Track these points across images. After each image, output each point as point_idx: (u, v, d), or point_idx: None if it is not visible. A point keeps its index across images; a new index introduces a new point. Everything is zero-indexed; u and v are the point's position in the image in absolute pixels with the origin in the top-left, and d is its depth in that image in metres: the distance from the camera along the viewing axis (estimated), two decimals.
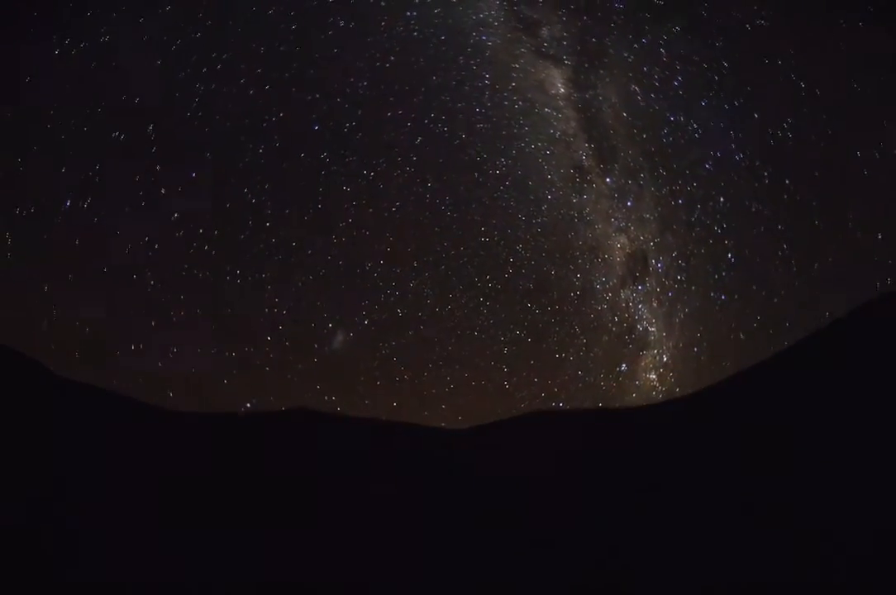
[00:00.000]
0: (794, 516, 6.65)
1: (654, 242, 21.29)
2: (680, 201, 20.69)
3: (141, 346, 20.04)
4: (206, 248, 21.37)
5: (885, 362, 9.00)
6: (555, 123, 22.51)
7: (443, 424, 17.40)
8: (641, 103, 21.01)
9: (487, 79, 22.19)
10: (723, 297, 19.46)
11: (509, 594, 6.50)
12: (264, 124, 21.20)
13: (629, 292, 21.86)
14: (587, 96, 21.81)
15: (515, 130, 22.69)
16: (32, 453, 8.28)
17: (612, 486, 8.89)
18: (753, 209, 19.34)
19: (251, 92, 20.86)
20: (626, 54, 20.65)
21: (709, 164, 20.17)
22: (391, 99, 22.13)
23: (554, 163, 22.62)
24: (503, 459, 10.79)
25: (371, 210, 22.46)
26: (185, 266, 21.11)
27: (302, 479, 9.56)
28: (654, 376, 19.82)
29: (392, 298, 22.66)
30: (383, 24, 21.31)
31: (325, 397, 21.73)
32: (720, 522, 7.10)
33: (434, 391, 22.43)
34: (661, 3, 19.73)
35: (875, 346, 9.67)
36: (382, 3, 21.19)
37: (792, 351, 11.91)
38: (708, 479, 8.20)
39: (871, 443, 7.32)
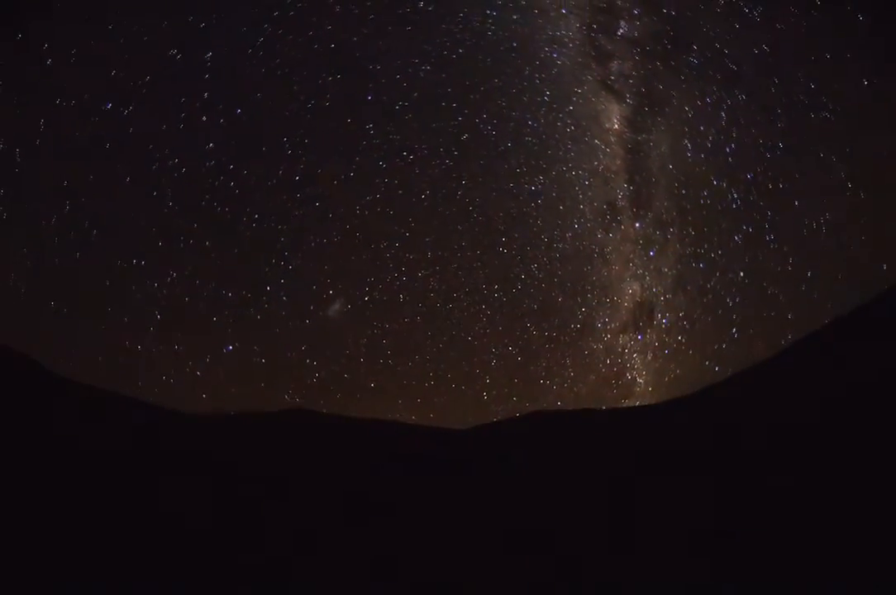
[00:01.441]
0: (793, 516, 6.64)
1: (665, 298, 21.18)
2: (701, 265, 20.70)
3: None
4: (231, 185, 20.96)
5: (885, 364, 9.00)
6: (601, 156, 22.03)
7: (447, 424, 17.34)
8: (689, 160, 20.79)
9: (547, 96, 21.78)
10: (716, 369, 19.39)
11: (510, 592, 6.49)
12: (320, 81, 20.97)
13: (628, 339, 21.58)
14: (639, 139, 21.44)
15: (561, 153, 22.18)
16: (32, 453, 8.27)
17: (612, 485, 8.89)
18: (769, 292, 19.34)
19: (315, 46, 20.55)
20: (687, 108, 20.50)
21: (738, 236, 20.21)
22: (448, 89, 21.71)
23: (590, 194, 22.14)
24: (503, 459, 10.79)
25: (401, 191, 22.12)
26: (207, 197, 20.84)
27: (302, 478, 9.56)
28: None
29: (397, 282, 22.44)
30: (461, 14, 20.85)
31: (307, 360, 21.37)
32: (720, 522, 7.10)
33: (410, 382, 22.18)
34: (734, 68, 19.51)
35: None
36: None
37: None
38: (708, 478, 8.20)
39: (872, 443, 7.31)
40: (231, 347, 20.64)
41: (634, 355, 20.90)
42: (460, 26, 21.03)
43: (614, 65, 20.96)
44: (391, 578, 6.86)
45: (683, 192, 20.92)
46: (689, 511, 7.51)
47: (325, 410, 14.42)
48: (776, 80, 18.96)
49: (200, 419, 12.24)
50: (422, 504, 8.93)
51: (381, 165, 22.08)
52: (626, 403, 20.36)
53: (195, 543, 7.15)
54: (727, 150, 20.09)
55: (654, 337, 20.84)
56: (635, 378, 20.72)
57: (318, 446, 11.24)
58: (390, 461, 10.61)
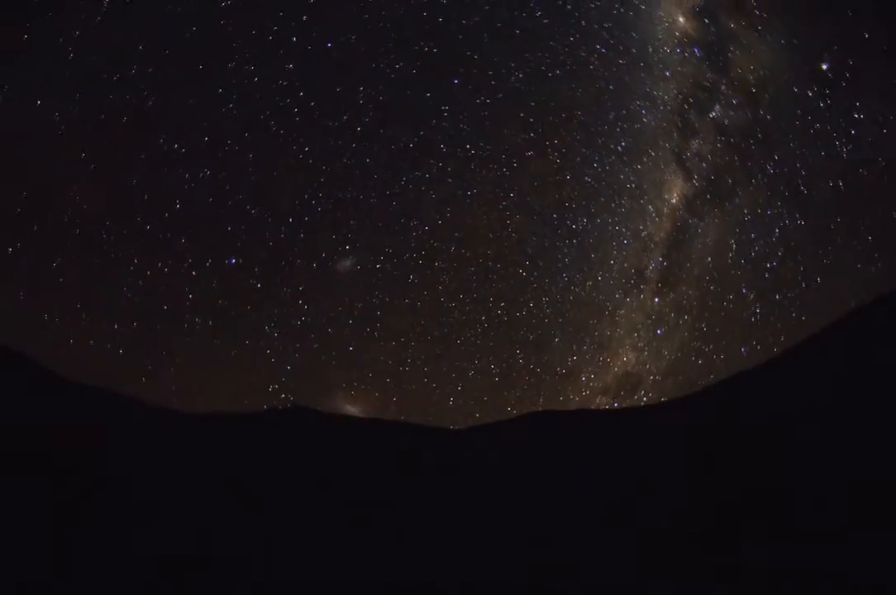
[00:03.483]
0: (793, 515, 6.65)
1: (654, 379, 21.41)
2: (700, 362, 20.93)
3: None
4: (271, 123, 20.92)
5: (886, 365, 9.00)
6: (648, 223, 21.83)
7: (450, 425, 17.32)
8: (728, 260, 20.87)
9: (621, 146, 21.76)
10: None
11: (510, 592, 6.49)
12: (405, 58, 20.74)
13: (605, 402, 21.51)
14: (690, 221, 21.45)
15: (613, 204, 22.24)
16: (33, 453, 8.27)
17: (612, 485, 8.89)
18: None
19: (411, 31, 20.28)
20: (746, 211, 20.55)
21: (745, 349, 20.41)
22: (531, 103, 21.56)
23: (624, 254, 22.00)
24: (503, 459, 10.78)
25: (450, 180, 21.93)
26: (237, 148, 20.85)
27: (302, 478, 9.55)
28: None
29: (412, 263, 22.29)
30: (572, 38, 20.69)
31: (302, 305, 21.20)
32: (720, 522, 7.10)
33: (381, 367, 22.02)
34: (805, 192, 19.44)
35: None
36: (594, 7, 20.51)
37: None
38: (707, 479, 8.20)
39: (872, 442, 7.31)
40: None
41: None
42: (566, 49, 20.98)
43: (695, 143, 20.95)
44: (391, 578, 6.87)
45: (711, 288, 21.04)
46: (689, 511, 7.51)
47: (324, 410, 14.41)
48: (839, 219, 18.91)
49: (200, 419, 12.23)
50: (420, 504, 8.93)
51: (442, 149, 21.91)
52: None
53: (195, 543, 7.15)
54: (767, 265, 20.15)
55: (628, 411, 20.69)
56: None
57: (316, 446, 11.23)
58: (389, 461, 10.61)
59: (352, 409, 21.29)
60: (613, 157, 21.65)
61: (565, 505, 8.54)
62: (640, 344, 21.55)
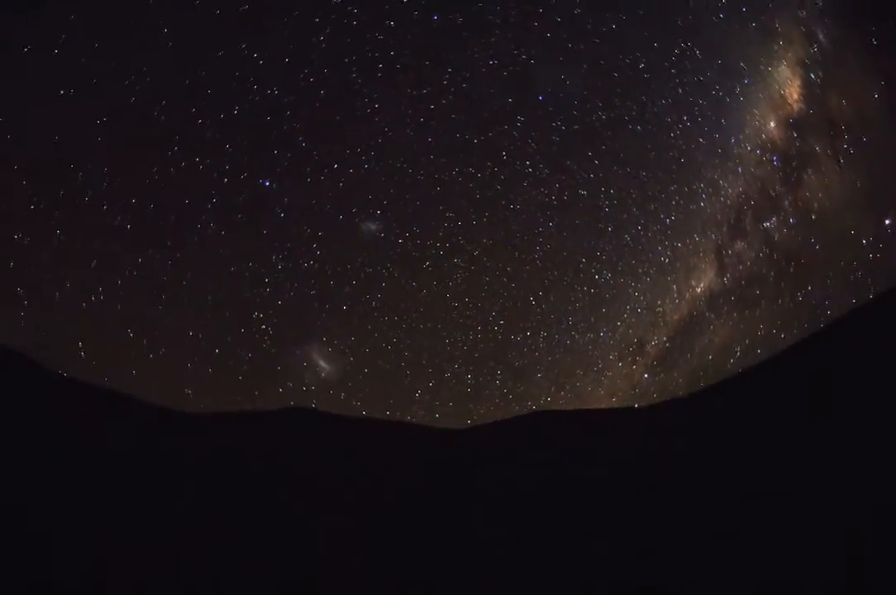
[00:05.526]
0: (794, 515, 6.64)
1: None
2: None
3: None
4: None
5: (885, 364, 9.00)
6: (667, 302, 21.52)
7: (451, 425, 17.31)
8: (727, 366, 21.00)
9: (670, 219, 21.59)
10: None
11: (510, 592, 6.49)
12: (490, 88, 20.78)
13: None
14: (706, 315, 21.47)
15: (640, 270, 22.32)
16: (32, 453, 8.27)
17: (612, 485, 8.89)
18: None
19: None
20: (762, 326, 20.60)
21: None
22: (599, 143, 21.60)
23: (633, 321, 21.78)
24: (503, 459, 10.78)
25: (499, 187, 21.88)
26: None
27: (301, 478, 9.55)
28: None
29: (432, 249, 22.14)
30: (652, 85, 20.74)
31: (315, 249, 20.95)
32: (721, 522, 7.09)
33: (365, 336, 21.90)
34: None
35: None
36: (696, 81, 20.18)
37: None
38: (708, 479, 8.19)
39: (872, 442, 7.31)
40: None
41: None
42: (655, 108, 21.28)
43: (739, 244, 21.30)
44: (392, 577, 6.87)
45: (702, 384, 21.01)
46: (689, 511, 7.51)
47: (324, 410, 14.42)
48: None
49: (200, 419, 12.23)
50: (422, 504, 8.93)
51: (503, 156, 22.39)
52: None
53: (195, 543, 7.15)
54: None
55: None
56: None
57: (318, 446, 11.23)
58: (391, 461, 10.61)
59: (318, 363, 21.08)
60: (659, 227, 21.53)
61: (565, 504, 8.54)
62: (617, 405, 21.30)
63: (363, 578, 6.83)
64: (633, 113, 20.79)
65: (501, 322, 22.82)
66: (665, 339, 21.18)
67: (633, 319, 21.73)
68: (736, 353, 20.25)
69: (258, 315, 21.25)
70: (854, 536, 5.86)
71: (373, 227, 22.18)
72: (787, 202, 19.65)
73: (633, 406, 19.13)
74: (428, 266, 22.38)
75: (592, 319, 22.01)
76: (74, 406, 10.54)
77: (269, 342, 21.01)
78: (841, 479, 6.94)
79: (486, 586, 6.64)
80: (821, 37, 18.90)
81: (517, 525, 8.08)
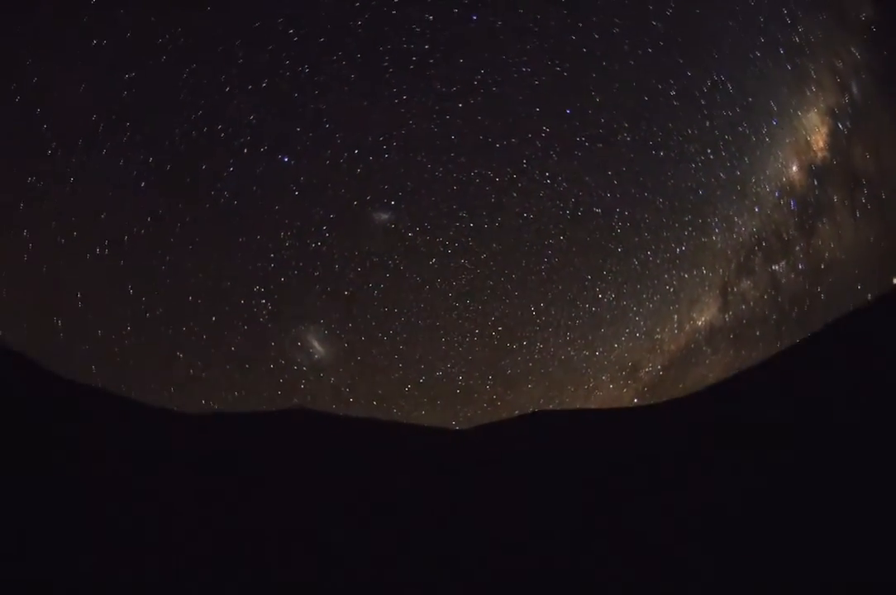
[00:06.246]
0: (793, 515, 6.64)
1: None
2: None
3: None
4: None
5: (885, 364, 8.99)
6: (666, 331, 21.40)
7: (453, 424, 17.31)
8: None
9: (681, 248, 21.44)
10: None
11: (510, 592, 6.49)
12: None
13: None
14: (703, 349, 21.25)
15: (644, 296, 22.37)
16: (32, 453, 8.27)
17: (612, 485, 8.88)
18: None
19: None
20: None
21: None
22: (620, 166, 21.45)
23: (630, 345, 21.71)
24: (503, 459, 10.77)
25: (514, 195, 21.78)
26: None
27: (303, 478, 9.55)
28: None
29: (440, 247, 22.01)
30: (683, 122, 20.41)
31: (324, 232, 20.76)
32: (720, 521, 7.09)
33: (362, 324, 21.82)
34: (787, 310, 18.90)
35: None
36: (723, 115, 19.99)
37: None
38: (708, 478, 8.19)
39: (872, 441, 7.31)
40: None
41: None
42: (680, 137, 21.14)
43: (746, 283, 21.26)
44: (392, 577, 6.86)
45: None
46: (689, 511, 7.51)
47: (325, 410, 14.43)
48: None
49: (200, 419, 12.24)
50: (422, 504, 8.92)
51: (524, 164, 22.44)
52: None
53: (194, 543, 7.15)
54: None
55: None
56: None
57: (318, 446, 11.23)
58: (391, 461, 10.61)
59: (312, 344, 21.05)
60: (668, 255, 21.38)
61: (565, 504, 8.54)
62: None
63: (364, 577, 6.83)
64: (658, 139, 20.77)
65: (500, 328, 22.77)
66: (659, 366, 21.18)
67: (631, 343, 21.73)
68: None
69: (259, 288, 21.33)
70: (846, 538, 5.86)
71: (384, 216, 22.23)
72: (798, 248, 19.58)
73: (633, 406, 19.14)
74: (434, 263, 22.38)
75: (590, 338, 21.99)
76: (74, 406, 10.55)
77: (266, 316, 21.05)
78: (841, 479, 6.93)
79: (486, 586, 6.63)
80: (854, 89, 18.78)
81: (517, 525, 8.08)
